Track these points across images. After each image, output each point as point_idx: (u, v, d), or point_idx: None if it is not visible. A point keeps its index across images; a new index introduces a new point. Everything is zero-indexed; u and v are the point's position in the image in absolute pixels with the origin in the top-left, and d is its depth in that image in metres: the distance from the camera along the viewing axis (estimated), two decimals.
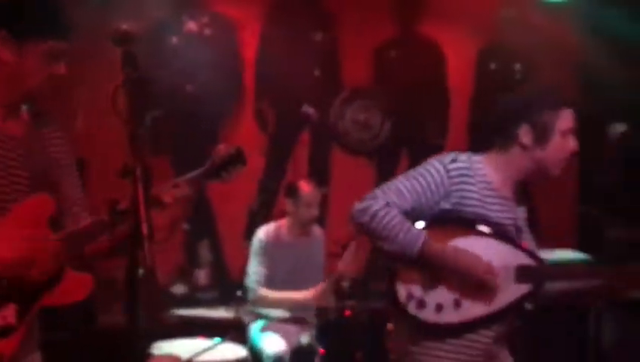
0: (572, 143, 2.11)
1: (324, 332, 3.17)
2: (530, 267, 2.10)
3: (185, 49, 4.41)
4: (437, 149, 4.95)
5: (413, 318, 2.06)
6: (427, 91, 4.95)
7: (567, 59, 4.87)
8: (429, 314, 2.05)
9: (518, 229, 2.18)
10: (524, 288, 2.08)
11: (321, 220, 4.17)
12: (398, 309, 2.08)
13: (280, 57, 4.54)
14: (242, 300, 3.53)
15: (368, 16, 4.76)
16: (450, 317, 2.06)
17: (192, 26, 4.47)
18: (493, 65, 4.99)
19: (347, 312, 3.22)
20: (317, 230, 3.81)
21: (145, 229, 1.44)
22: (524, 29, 4.68)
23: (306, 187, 3.61)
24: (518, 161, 2.12)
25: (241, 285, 3.71)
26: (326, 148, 4.79)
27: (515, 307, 2.10)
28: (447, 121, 5.02)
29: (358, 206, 2.06)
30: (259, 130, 4.67)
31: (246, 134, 4.61)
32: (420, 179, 2.07)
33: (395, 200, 2.03)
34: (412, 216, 2.06)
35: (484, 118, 4.93)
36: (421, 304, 2.05)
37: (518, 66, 4.97)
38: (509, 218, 2.14)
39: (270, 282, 3.60)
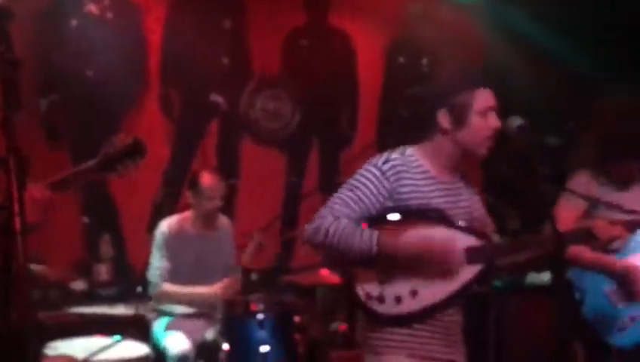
0: (492, 121, 2.15)
1: (229, 327, 3.09)
2: (479, 247, 2.16)
3: (84, 32, 4.17)
4: (347, 140, 5.00)
5: (375, 313, 2.13)
6: (337, 82, 4.96)
7: (472, 55, 5.00)
8: (389, 308, 2.12)
9: (468, 211, 2.24)
10: (475, 268, 2.15)
11: (230, 212, 4.08)
12: (359, 308, 2.17)
13: (187, 43, 4.38)
14: (144, 296, 3.39)
15: (278, 3, 4.69)
16: (410, 306, 2.12)
17: (92, 7, 4.22)
18: (401, 59, 5.06)
19: (253, 306, 3.16)
20: (224, 221, 3.71)
21: (18, 224, 1.32)
22: (431, 24, 4.77)
23: (207, 179, 3.50)
24: (444, 146, 2.19)
25: (144, 281, 3.57)
26: (235, 137, 4.68)
27: (470, 287, 2.16)
28: (357, 112, 5.04)
29: (309, 227, 2.15)
30: (165, 119, 4.49)
31: (150, 123, 4.42)
32: (362, 187, 2.15)
33: (342, 212, 2.13)
34: (365, 220, 2.14)
35: (394, 110, 5.03)
36: (380, 299, 2.12)
37: (425, 61, 5.07)
38: (452, 202, 2.20)
39: (174, 276, 3.48)
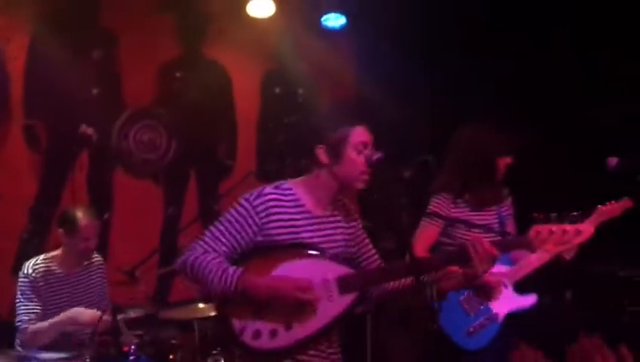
0: (367, 157, 2.24)
1: None
2: (350, 276, 2.23)
3: None
4: (226, 170, 4.99)
5: (250, 349, 2.16)
6: (214, 112, 4.96)
7: (344, 88, 5.22)
8: (264, 342, 2.15)
9: (344, 243, 2.31)
10: (350, 297, 2.22)
11: (103, 247, 3.93)
12: (234, 344, 2.19)
13: (53, 72, 4.20)
14: (6, 344, 3.17)
15: (150, 35, 4.64)
16: (285, 339, 2.16)
17: None
18: (277, 90, 5.16)
19: (125, 347, 3.05)
20: (96, 258, 3.57)
21: None
22: (304, 58, 4.92)
23: (83, 219, 3.33)
24: (323, 180, 2.28)
25: (7, 324, 3.34)
26: (107, 170, 4.52)
27: (345, 316, 2.23)
28: (236, 141, 5.06)
29: (178, 260, 2.20)
30: (30, 151, 4.26)
31: (14, 155, 4.18)
32: (233, 221, 2.20)
33: (212, 247, 2.18)
34: (235, 254, 2.20)
35: (272, 139, 5.10)
36: (256, 334, 2.16)
37: (301, 91, 5.20)
38: (328, 235, 2.27)
39: (45, 319, 3.29)
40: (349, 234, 2.35)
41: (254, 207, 2.20)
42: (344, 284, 2.22)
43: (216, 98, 4.95)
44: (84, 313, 3.27)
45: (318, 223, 2.27)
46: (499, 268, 3.07)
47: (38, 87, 4.25)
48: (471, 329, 3.01)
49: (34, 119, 4.27)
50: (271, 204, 2.21)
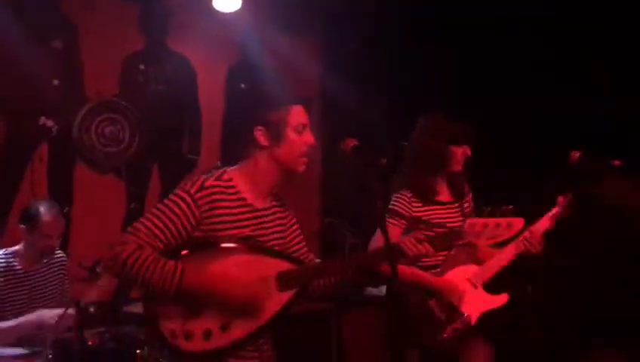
0: (307, 137, 2.19)
1: None
2: (289, 273, 2.16)
3: None
4: (190, 164, 4.93)
5: (181, 351, 2.04)
6: (179, 106, 4.89)
7: (307, 82, 5.24)
8: (197, 344, 2.04)
9: (283, 237, 2.25)
10: (288, 294, 2.14)
11: (63, 241, 3.82)
12: (164, 346, 2.06)
13: (11, 62, 4.06)
14: None
15: (113, 26, 4.54)
16: (220, 340, 2.06)
17: None
18: (243, 85, 5.12)
19: (90, 341, 2.98)
20: (57, 254, 3.48)
21: None
22: (268, 53, 4.92)
23: (46, 215, 3.23)
24: (262, 164, 2.19)
25: None
26: (68, 163, 4.40)
27: (284, 313, 2.15)
28: (200, 136, 5.00)
29: (108, 254, 2.02)
30: None
31: None
32: (169, 214, 2.05)
33: (147, 241, 2.01)
34: (171, 248, 2.06)
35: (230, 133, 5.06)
36: (188, 335, 2.03)
37: (266, 87, 5.17)
38: (267, 228, 2.19)
39: (2, 317, 3.18)
40: (285, 226, 2.30)
41: (195, 201, 2.07)
42: (283, 281, 2.15)
43: (180, 91, 4.88)
44: (48, 316, 3.11)
45: (259, 217, 2.19)
46: (469, 268, 3.05)
47: None
48: (445, 336, 2.91)
49: None
50: (213, 198, 2.10)
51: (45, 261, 3.40)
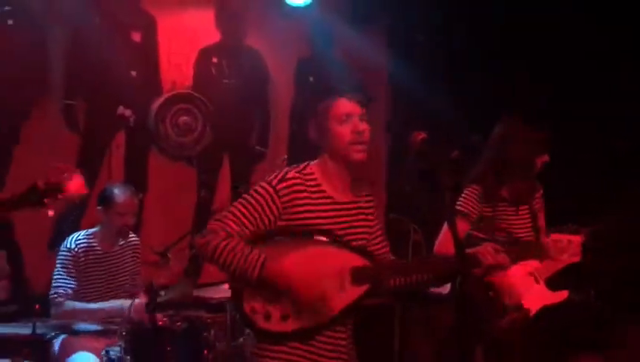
0: (353, 125, 2.18)
1: (135, 344, 3.01)
2: (363, 269, 2.20)
3: None
4: (259, 156, 5.02)
5: (260, 329, 2.15)
6: (250, 98, 4.99)
7: (375, 75, 5.23)
8: (274, 325, 2.14)
9: (365, 232, 2.27)
10: (362, 288, 2.19)
11: (137, 226, 3.99)
12: (245, 324, 2.20)
13: (94, 54, 4.26)
14: (44, 314, 3.24)
15: (191, 20, 4.68)
16: (295, 324, 2.15)
17: None
18: (311, 78, 5.16)
19: (160, 322, 3.09)
20: (132, 237, 3.64)
21: None
22: (335, 47, 4.94)
23: (120, 195, 3.40)
24: (325, 158, 2.23)
25: (43, 298, 3.41)
26: (143, 151, 4.58)
27: (355, 307, 2.20)
28: (269, 129, 5.08)
29: (199, 241, 2.15)
30: (68, 131, 4.33)
31: (53, 134, 4.25)
32: (255, 204, 2.16)
33: (234, 229, 2.14)
34: (255, 237, 2.16)
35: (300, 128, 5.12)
36: (267, 316, 2.14)
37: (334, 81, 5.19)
38: (347, 222, 2.23)
39: (81, 295, 3.37)
40: (368, 221, 2.31)
41: (277, 191, 2.15)
42: (357, 275, 2.19)
43: (251, 84, 4.97)
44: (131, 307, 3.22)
45: (339, 210, 2.22)
46: (531, 263, 3.02)
47: (79, 68, 4.31)
48: (503, 325, 2.94)
49: (73, 99, 4.33)
50: (294, 188, 2.17)
51: (122, 242, 3.55)
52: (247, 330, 3.07)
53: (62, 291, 3.34)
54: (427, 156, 2.19)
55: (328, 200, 2.21)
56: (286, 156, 4.40)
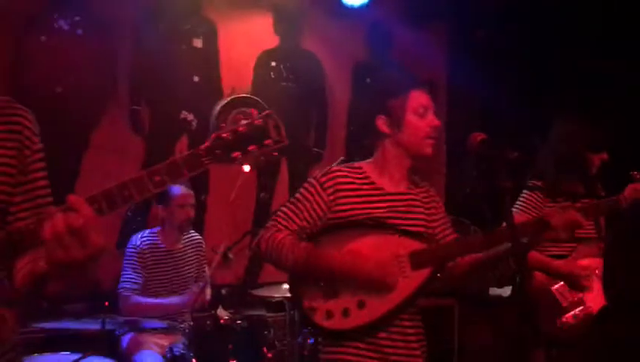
0: (429, 119, 2.19)
1: (198, 342, 3.10)
2: (422, 251, 2.16)
3: (54, 48, 4.17)
4: (317, 158, 5.07)
5: (323, 329, 2.13)
6: (307, 101, 5.04)
7: (434, 73, 5.18)
8: (337, 322, 2.11)
9: (422, 220, 2.23)
10: (424, 273, 2.15)
11: (199, 227, 4.10)
12: (308, 325, 2.20)
13: (157, 60, 4.42)
14: (112, 311, 3.38)
15: (249, 26, 4.78)
16: (358, 318, 2.11)
17: (62, 23, 4.24)
18: (368, 80, 5.18)
19: (222, 320, 3.18)
20: (195, 236, 3.76)
21: None
22: (392, 46, 4.92)
23: (176, 190, 3.54)
24: (390, 152, 2.23)
25: (111, 295, 3.56)
26: None
27: (420, 292, 2.15)
28: (326, 130, 5.12)
29: (255, 240, 2.22)
30: (134, 135, 4.50)
31: (120, 139, 4.43)
32: (302, 200, 2.20)
33: (284, 225, 2.18)
34: (307, 232, 2.18)
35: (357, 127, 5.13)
36: (328, 314, 2.11)
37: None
38: (401, 211, 2.20)
39: (146, 290, 3.50)
40: (428, 213, 2.27)
41: (321, 184, 2.18)
42: (417, 259, 2.14)
43: (308, 87, 5.03)
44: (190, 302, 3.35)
45: (390, 200, 2.21)
46: (597, 261, 3.01)
47: (143, 75, 4.48)
48: (563, 320, 2.91)
49: (139, 105, 4.50)
50: (339, 180, 2.19)
51: (185, 241, 3.66)
52: (307, 329, 3.11)
53: (128, 286, 3.48)
54: (486, 157, 2.15)
55: (378, 191, 2.21)
56: (343, 157, 4.42)
